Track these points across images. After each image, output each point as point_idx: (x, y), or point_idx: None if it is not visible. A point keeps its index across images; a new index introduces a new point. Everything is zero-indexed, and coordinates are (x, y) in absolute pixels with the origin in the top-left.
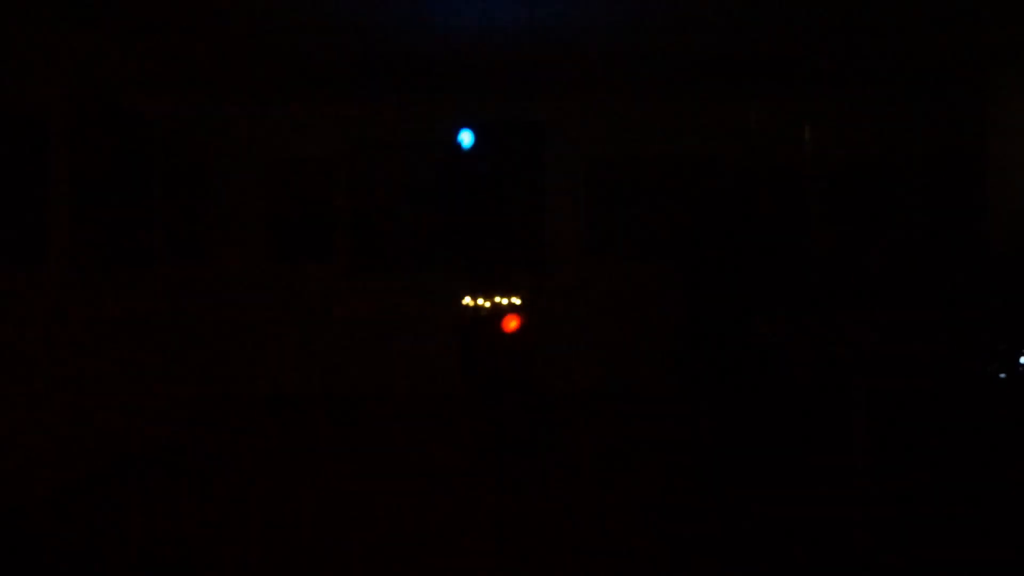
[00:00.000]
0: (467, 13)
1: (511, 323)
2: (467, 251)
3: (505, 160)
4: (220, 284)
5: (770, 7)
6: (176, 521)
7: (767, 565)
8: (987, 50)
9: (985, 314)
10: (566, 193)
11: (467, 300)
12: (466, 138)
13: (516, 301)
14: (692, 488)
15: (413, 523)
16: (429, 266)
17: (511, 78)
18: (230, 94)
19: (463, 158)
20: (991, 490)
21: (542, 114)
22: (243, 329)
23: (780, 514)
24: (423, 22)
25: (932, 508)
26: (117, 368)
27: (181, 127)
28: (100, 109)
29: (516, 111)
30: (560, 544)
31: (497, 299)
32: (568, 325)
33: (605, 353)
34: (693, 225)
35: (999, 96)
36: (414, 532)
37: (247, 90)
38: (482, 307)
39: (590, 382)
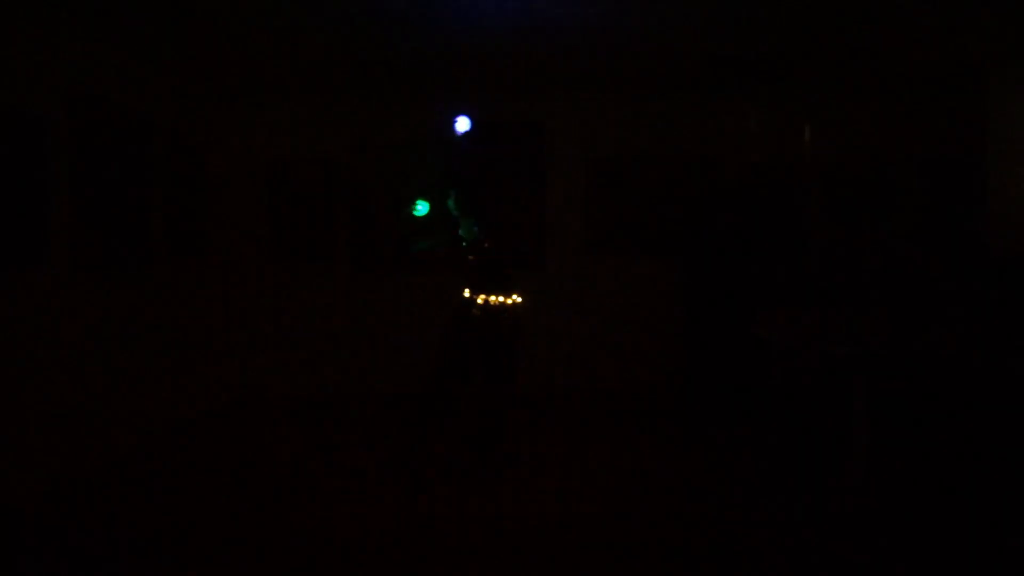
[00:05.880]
0: (468, 13)
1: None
2: (466, 251)
3: (505, 160)
4: (220, 284)
5: (770, 7)
6: (174, 520)
7: (762, 570)
8: (987, 50)
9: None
10: (566, 193)
11: (466, 294)
12: (462, 124)
13: (517, 299)
14: (688, 487)
15: (407, 522)
16: (428, 266)
17: (511, 78)
18: (231, 94)
19: (463, 157)
20: (992, 490)
21: (542, 114)
22: (243, 329)
23: (777, 515)
24: (423, 22)
25: (932, 508)
26: (116, 368)
27: (181, 127)
28: (100, 109)
29: (516, 111)
30: (541, 543)
31: (493, 298)
32: (568, 324)
33: (604, 351)
34: (693, 225)
35: (999, 96)
36: (405, 530)
37: (247, 90)
38: (477, 305)
39: (589, 380)
